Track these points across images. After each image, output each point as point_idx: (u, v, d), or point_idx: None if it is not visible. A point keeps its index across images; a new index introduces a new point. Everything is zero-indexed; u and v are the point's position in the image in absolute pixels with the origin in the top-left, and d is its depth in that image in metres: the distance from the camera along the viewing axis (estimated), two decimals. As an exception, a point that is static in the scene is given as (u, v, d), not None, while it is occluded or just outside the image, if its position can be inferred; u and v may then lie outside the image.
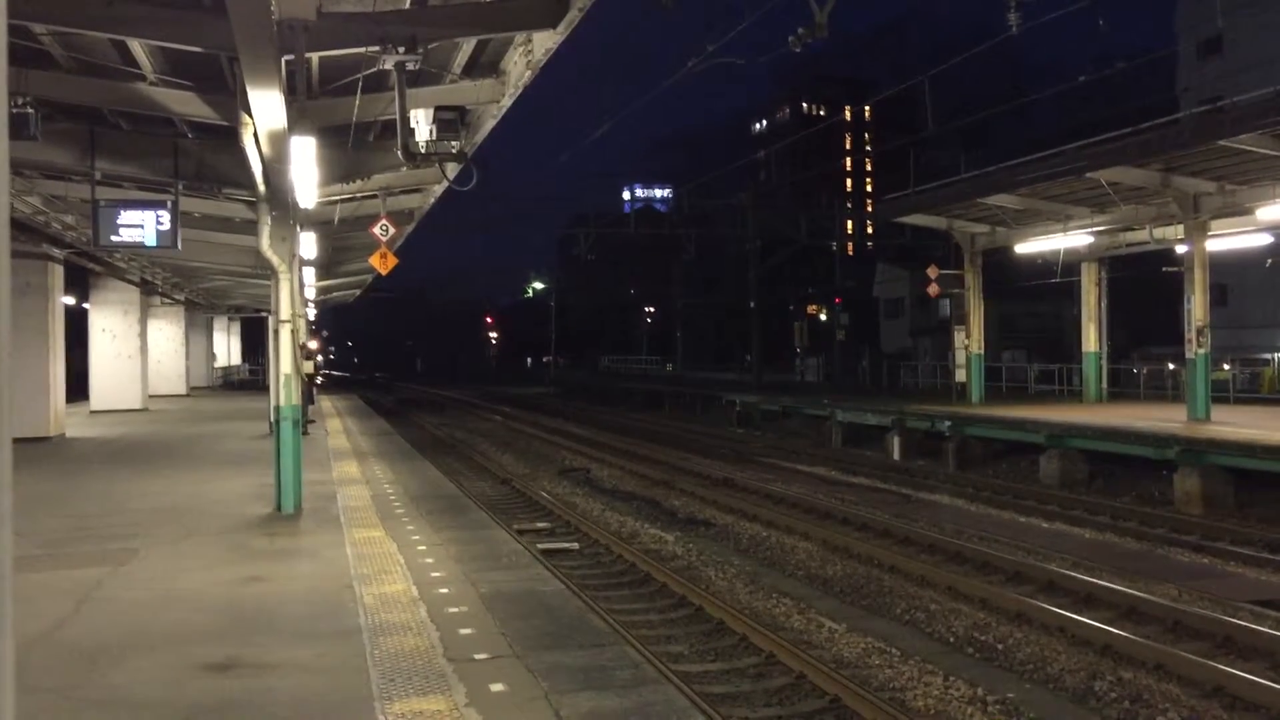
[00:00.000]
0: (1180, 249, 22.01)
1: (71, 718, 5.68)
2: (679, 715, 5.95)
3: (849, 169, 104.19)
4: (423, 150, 12.83)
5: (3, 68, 1.05)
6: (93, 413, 30.52)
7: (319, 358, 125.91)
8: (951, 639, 9.84)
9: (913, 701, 7.96)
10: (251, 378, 58.60)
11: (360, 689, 6.08)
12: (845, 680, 8.06)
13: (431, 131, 12.84)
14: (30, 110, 11.24)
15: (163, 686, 6.19)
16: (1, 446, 1.02)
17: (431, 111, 12.91)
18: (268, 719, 5.65)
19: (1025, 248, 26.54)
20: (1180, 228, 21.45)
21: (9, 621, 1.02)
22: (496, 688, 6.21)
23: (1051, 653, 9.12)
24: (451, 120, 13.00)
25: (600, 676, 6.61)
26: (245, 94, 10.16)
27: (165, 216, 14.61)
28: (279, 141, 11.17)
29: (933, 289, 29.77)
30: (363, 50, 10.75)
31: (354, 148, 14.93)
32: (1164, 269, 26.16)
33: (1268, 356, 32.74)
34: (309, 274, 24.51)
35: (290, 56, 10.02)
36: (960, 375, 28.55)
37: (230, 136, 12.59)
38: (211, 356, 53.52)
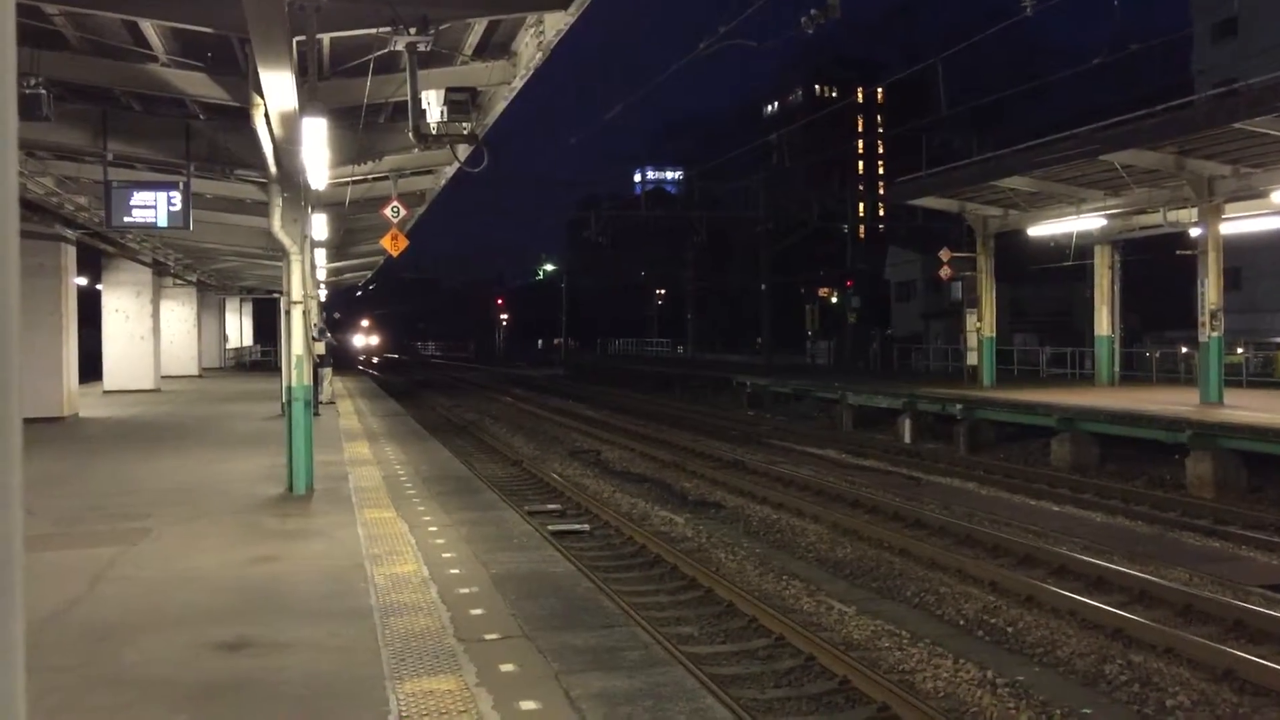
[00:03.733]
0: (1194, 232, 21.89)
1: (85, 696, 5.72)
2: (688, 696, 5.96)
3: (861, 152, 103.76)
4: (434, 132, 12.78)
5: (12, 48, 1.04)
6: (106, 393, 30.64)
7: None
8: (961, 622, 9.84)
9: (922, 684, 7.98)
10: (264, 359, 58.75)
11: (372, 668, 6.11)
12: (855, 662, 8.08)
13: (443, 113, 12.79)
14: (43, 91, 11.24)
15: (175, 665, 6.23)
16: (11, 426, 1.02)
17: (443, 93, 12.85)
18: (280, 697, 5.69)
19: (1038, 231, 26.43)
20: (1194, 211, 21.33)
21: (19, 600, 1.02)
22: (507, 668, 6.23)
23: (1062, 636, 9.12)
24: (463, 102, 12.95)
25: (610, 657, 6.63)
26: (256, 75, 10.16)
27: (177, 198, 14.63)
28: (290, 123, 11.16)
29: (945, 272, 29.71)
30: (374, 31, 10.74)
31: (365, 129, 14.91)
32: (1177, 252, 26.04)
33: (1281, 340, 32.59)
34: (320, 255, 24.53)
35: (301, 37, 10.01)
36: (972, 358, 28.49)
37: (242, 118, 12.60)
38: (224, 338, 53.65)
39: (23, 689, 1.02)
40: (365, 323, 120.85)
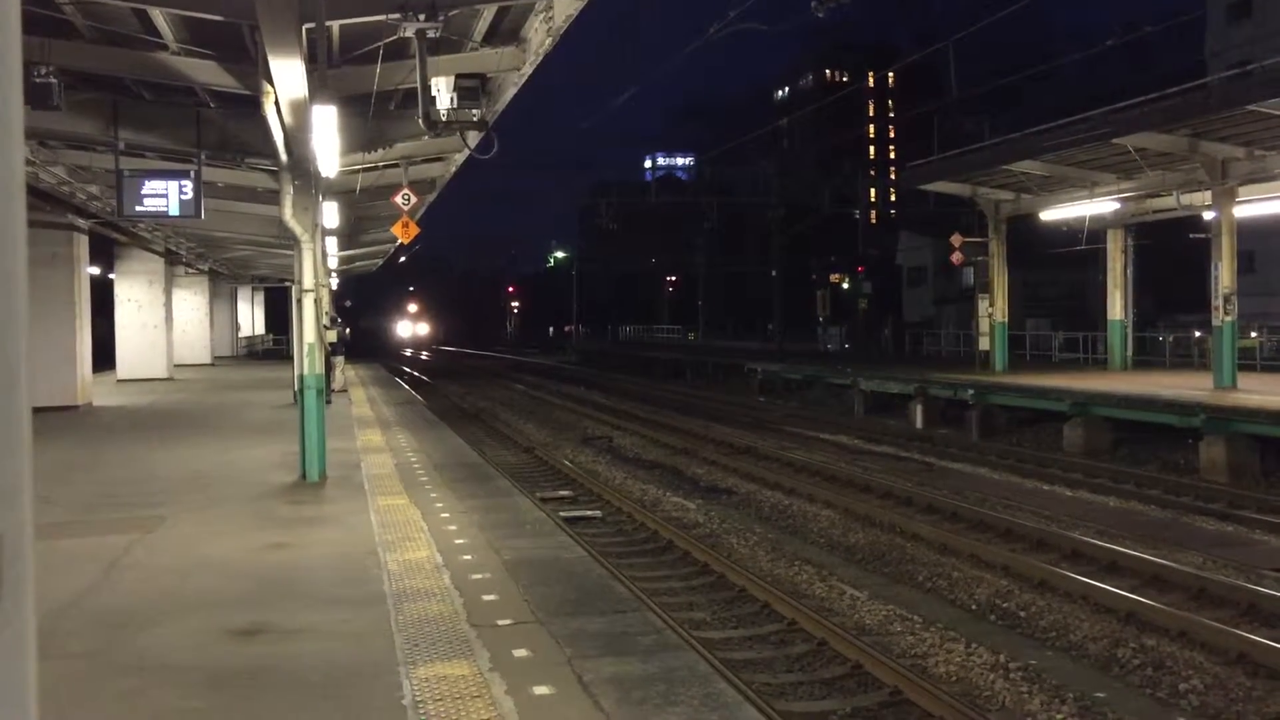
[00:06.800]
0: (1207, 215, 21.77)
1: (100, 682, 5.75)
2: (701, 681, 5.97)
3: (872, 136, 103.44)
4: (444, 119, 12.80)
5: (18, 34, 1.04)
6: (119, 382, 30.76)
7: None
8: (974, 607, 9.84)
9: (934, 668, 7.98)
10: (276, 347, 58.89)
11: (385, 654, 6.14)
12: (867, 647, 8.08)
13: (452, 100, 12.80)
14: (53, 80, 11.27)
15: (190, 651, 6.27)
16: (20, 416, 1.03)
17: (452, 80, 12.87)
18: (294, 683, 5.72)
19: (1051, 215, 26.32)
20: (1207, 194, 21.21)
21: (30, 588, 1.03)
22: (520, 653, 6.25)
23: (1074, 620, 9.11)
24: (472, 88, 12.96)
25: (623, 642, 6.64)
26: (266, 63, 10.17)
27: (188, 186, 14.66)
28: (300, 110, 11.17)
29: (957, 257, 29.58)
30: (383, 18, 10.72)
31: (375, 117, 14.91)
32: (1191, 235, 25.91)
33: (1295, 324, 32.43)
34: (331, 243, 24.56)
35: (311, 24, 10.01)
36: (984, 343, 28.42)
37: (252, 106, 12.60)
38: (236, 326, 53.79)
39: (34, 676, 1.03)
40: (413, 308, 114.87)
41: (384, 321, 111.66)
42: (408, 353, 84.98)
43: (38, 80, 11.00)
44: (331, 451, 14.07)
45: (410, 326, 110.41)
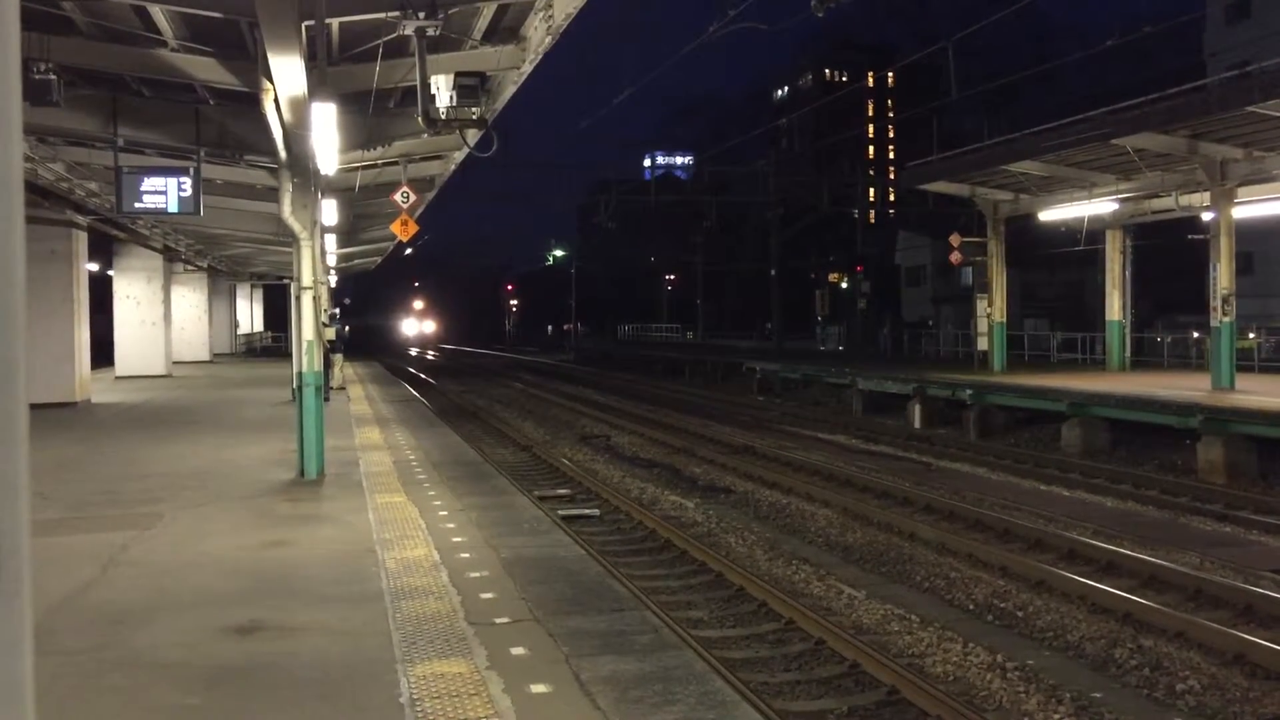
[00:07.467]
0: (1206, 216, 21.77)
1: (97, 679, 5.75)
2: (698, 679, 5.97)
3: (871, 136, 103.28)
4: (443, 117, 12.80)
5: (16, 28, 1.04)
6: (118, 379, 30.77)
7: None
8: (971, 606, 9.84)
9: (932, 667, 7.98)
10: (274, 344, 58.90)
11: (383, 652, 6.14)
12: (864, 646, 8.09)
13: (452, 98, 12.81)
14: (53, 77, 11.27)
15: (187, 649, 6.27)
16: (17, 412, 1.03)
17: (452, 77, 12.87)
18: (291, 681, 5.71)
19: (1049, 215, 26.33)
20: (1206, 195, 21.22)
21: (27, 586, 1.03)
22: (517, 651, 6.26)
23: (1072, 620, 9.11)
24: (472, 86, 12.96)
25: (620, 641, 6.64)
26: (266, 60, 10.16)
27: (187, 183, 14.66)
28: (300, 108, 11.17)
29: (955, 257, 29.59)
30: (383, 15, 10.73)
31: (374, 114, 14.91)
32: (1189, 236, 25.93)
33: (1293, 325, 32.42)
34: (330, 241, 24.57)
35: (310, 22, 10.01)
36: (982, 343, 28.43)
37: (251, 103, 12.61)
38: (234, 323, 53.77)
39: (31, 673, 1.03)
40: (412, 306, 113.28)
41: (383, 319, 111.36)
42: (409, 351, 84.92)
43: (37, 76, 11.01)
44: (330, 449, 14.07)
45: (409, 324, 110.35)
